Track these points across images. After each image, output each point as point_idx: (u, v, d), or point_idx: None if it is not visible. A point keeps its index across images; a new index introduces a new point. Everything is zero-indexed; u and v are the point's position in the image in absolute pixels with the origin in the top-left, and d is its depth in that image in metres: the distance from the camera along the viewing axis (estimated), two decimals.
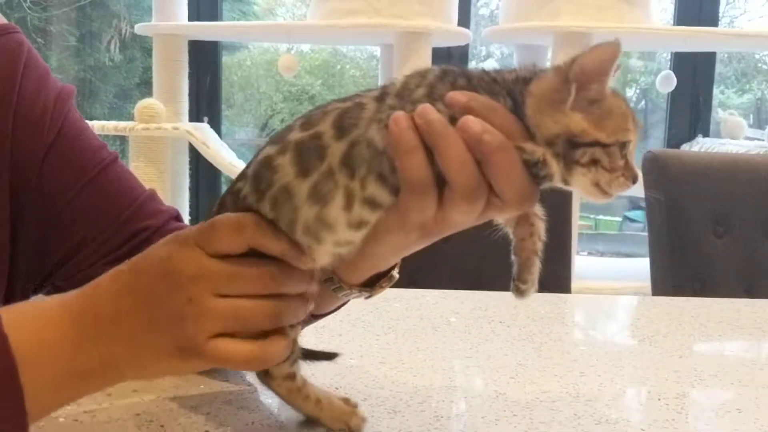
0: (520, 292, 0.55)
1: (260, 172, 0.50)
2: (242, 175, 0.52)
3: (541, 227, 0.54)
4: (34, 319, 0.50)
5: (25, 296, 0.72)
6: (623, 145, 0.48)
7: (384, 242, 0.53)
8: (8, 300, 0.71)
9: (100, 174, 0.74)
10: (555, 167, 0.47)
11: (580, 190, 0.49)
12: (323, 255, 0.51)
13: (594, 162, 0.47)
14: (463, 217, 0.50)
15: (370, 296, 0.60)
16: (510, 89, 0.48)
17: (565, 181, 0.48)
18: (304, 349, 0.58)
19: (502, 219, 0.55)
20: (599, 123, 0.47)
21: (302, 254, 0.51)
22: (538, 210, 0.54)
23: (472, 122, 0.46)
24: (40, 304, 0.52)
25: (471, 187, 0.48)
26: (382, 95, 0.50)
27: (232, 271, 0.49)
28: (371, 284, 0.59)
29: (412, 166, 0.47)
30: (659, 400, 0.69)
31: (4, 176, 0.70)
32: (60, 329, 0.50)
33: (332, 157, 0.48)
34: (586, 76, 0.46)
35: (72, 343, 0.49)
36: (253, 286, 0.49)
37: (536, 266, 0.55)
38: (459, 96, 0.47)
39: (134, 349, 0.50)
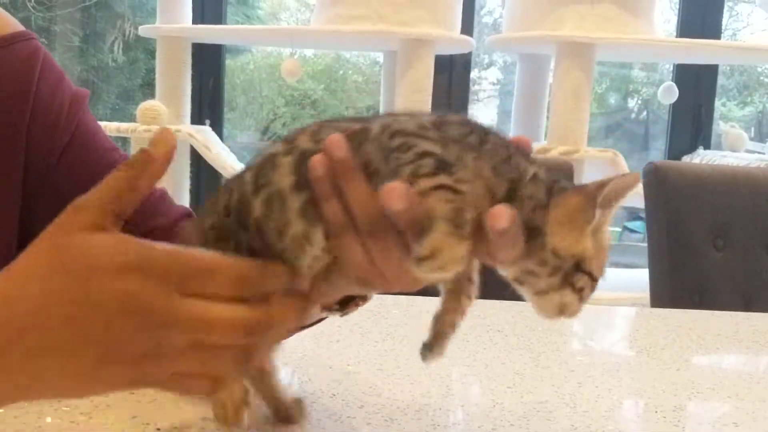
0: (424, 357, 0.54)
1: (263, 166, 0.48)
2: (249, 166, 0.51)
3: (467, 306, 0.54)
4: None
5: None
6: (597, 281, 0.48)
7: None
8: None
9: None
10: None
11: (546, 304, 0.49)
12: (302, 267, 0.49)
13: (581, 290, 0.47)
14: (392, 270, 0.46)
15: (343, 315, 0.58)
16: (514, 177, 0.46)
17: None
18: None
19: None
20: (597, 255, 0.46)
21: (297, 277, 0.47)
22: (473, 291, 0.54)
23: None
24: None
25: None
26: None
27: (210, 322, 0.43)
28: (346, 302, 0.58)
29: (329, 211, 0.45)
30: (656, 412, 0.69)
31: (18, 176, 0.71)
32: None
33: None
34: (610, 200, 0.46)
35: None
36: (229, 336, 0.44)
37: (449, 340, 0.54)
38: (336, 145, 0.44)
39: (55, 380, 0.43)
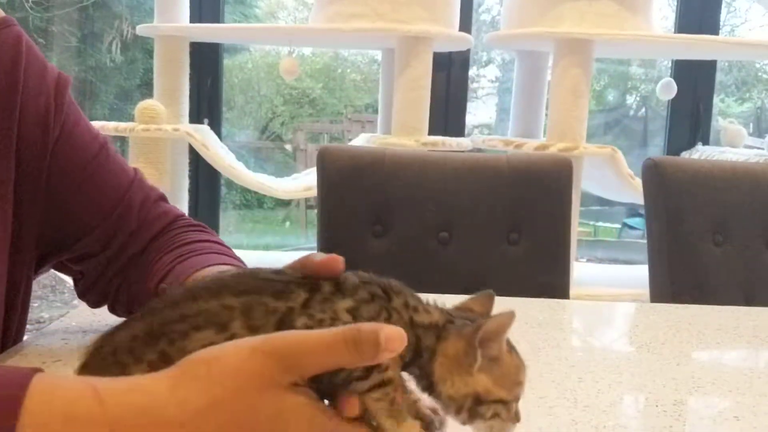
0: None
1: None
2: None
3: None
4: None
5: (28, 280, 0.77)
6: (516, 398, 0.51)
7: None
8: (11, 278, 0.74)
9: (96, 167, 0.78)
10: None
11: None
12: None
13: (495, 415, 0.50)
14: None
15: None
16: (419, 334, 0.50)
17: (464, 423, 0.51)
18: None
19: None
20: (500, 381, 0.50)
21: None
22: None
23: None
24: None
25: None
26: (309, 299, 0.48)
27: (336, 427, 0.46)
28: None
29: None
30: (657, 406, 0.69)
31: (10, 167, 0.71)
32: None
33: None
34: (487, 340, 0.49)
35: None
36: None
37: None
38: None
39: None
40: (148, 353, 0.46)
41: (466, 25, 2.87)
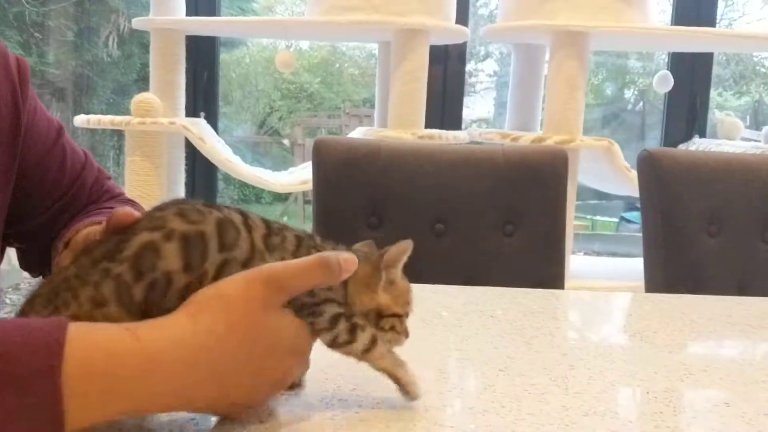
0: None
1: (142, 255, 0.53)
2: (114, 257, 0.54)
3: None
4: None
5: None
6: (407, 314, 0.64)
7: None
8: None
9: (56, 153, 0.82)
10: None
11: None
12: None
13: (392, 327, 0.62)
14: None
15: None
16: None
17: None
18: None
19: None
20: (396, 300, 0.62)
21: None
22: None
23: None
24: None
25: None
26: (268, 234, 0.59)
27: (310, 342, 0.59)
28: None
29: None
30: (647, 393, 0.69)
31: None
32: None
33: (210, 265, 0.55)
34: (390, 264, 0.62)
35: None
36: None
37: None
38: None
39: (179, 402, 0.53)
40: (92, 275, 0.53)
41: (462, 17, 2.87)
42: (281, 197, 4.84)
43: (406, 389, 0.61)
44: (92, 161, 0.88)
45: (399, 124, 2.55)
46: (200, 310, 0.52)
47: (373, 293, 0.61)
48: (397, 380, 0.61)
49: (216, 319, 0.52)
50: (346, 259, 0.57)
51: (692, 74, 3.13)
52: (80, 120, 2.74)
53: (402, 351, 0.75)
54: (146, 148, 2.69)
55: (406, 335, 0.63)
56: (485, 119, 5.03)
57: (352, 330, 0.58)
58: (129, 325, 0.50)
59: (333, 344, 0.58)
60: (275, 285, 0.54)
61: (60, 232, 0.79)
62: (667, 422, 0.62)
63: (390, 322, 0.62)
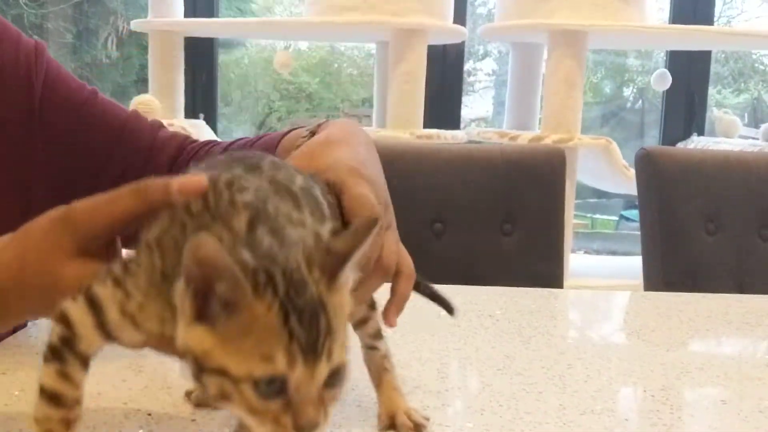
0: None
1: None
2: None
3: None
4: None
5: None
6: (270, 382, 0.35)
7: None
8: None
9: (90, 108, 0.81)
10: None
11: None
12: None
13: (224, 396, 0.35)
14: None
15: None
16: None
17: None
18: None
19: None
20: (232, 342, 0.35)
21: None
22: None
23: None
24: None
25: None
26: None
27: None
28: None
29: None
30: (645, 391, 0.69)
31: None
32: None
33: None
34: (202, 272, 0.35)
35: None
36: None
37: None
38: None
39: None
40: None
41: (460, 17, 2.87)
42: None
43: None
44: (138, 114, 0.85)
45: (397, 124, 2.55)
46: (5, 238, 0.51)
47: (182, 323, 0.37)
48: None
49: (9, 251, 0.50)
50: (182, 181, 0.43)
51: (690, 72, 3.13)
52: None
53: (401, 351, 0.75)
54: None
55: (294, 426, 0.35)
56: (484, 118, 5.02)
57: None
58: None
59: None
60: (69, 222, 0.48)
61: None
62: (663, 420, 0.62)
63: (214, 384, 0.36)
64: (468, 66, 4.57)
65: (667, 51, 3.24)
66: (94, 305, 0.43)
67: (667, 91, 3.02)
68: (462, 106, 3.26)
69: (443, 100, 3.07)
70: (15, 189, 0.76)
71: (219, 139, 0.89)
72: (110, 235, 0.49)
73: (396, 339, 0.81)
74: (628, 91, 5.24)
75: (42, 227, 0.49)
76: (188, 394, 0.61)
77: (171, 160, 0.82)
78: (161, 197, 0.44)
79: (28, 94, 0.78)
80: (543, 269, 1.46)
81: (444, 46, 3.00)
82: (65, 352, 0.43)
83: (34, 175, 0.78)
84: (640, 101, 5.10)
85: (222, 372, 0.35)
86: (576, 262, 3.00)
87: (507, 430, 0.58)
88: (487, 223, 1.44)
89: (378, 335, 0.58)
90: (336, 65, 5.18)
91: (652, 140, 4.16)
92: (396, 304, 0.57)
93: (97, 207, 0.47)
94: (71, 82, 0.82)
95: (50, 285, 0.47)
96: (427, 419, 0.57)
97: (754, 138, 3.02)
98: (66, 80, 0.82)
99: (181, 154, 0.83)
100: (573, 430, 0.59)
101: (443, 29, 2.59)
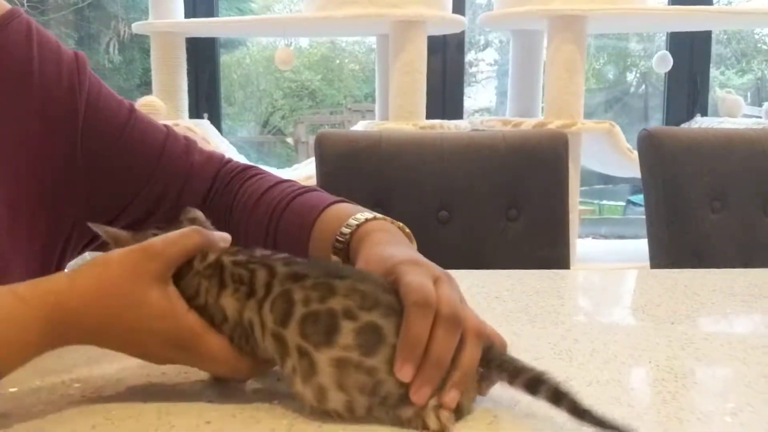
0: None
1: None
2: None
3: None
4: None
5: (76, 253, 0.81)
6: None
7: None
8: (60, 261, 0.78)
9: (130, 131, 0.80)
10: None
11: None
12: None
13: None
14: None
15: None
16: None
17: None
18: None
19: None
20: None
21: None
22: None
23: None
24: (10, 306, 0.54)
25: None
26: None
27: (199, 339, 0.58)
28: None
29: None
30: (650, 362, 0.71)
31: (29, 158, 0.73)
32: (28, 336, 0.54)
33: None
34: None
35: (37, 347, 0.55)
36: None
37: None
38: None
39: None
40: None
41: (459, 6, 2.88)
42: None
43: None
44: (175, 134, 0.85)
45: (400, 116, 2.56)
46: (81, 270, 0.56)
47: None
48: None
49: (90, 280, 0.55)
50: (219, 234, 0.61)
51: (691, 53, 3.12)
52: None
53: None
54: None
55: None
56: (487, 108, 5.02)
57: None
58: (17, 286, 0.55)
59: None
60: (149, 251, 0.56)
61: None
62: (668, 388, 0.63)
63: None
64: (470, 57, 4.57)
65: (667, 33, 3.23)
66: None
67: (669, 72, 3.02)
68: (465, 97, 3.27)
69: (446, 92, 3.08)
70: (47, 209, 0.75)
71: (253, 164, 0.88)
72: (179, 265, 0.58)
73: None
74: (631, 76, 5.23)
75: (121, 260, 0.56)
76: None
77: (207, 189, 0.83)
78: (209, 238, 0.59)
79: (71, 121, 0.75)
80: (549, 253, 1.47)
81: (444, 36, 3.01)
82: None
83: (67, 198, 0.76)
84: (644, 85, 5.09)
85: None
86: (583, 247, 3.01)
87: (514, 401, 0.60)
88: (493, 209, 1.45)
89: None
90: (338, 61, 5.18)
91: (656, 123, 4.15)
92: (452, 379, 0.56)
93: (174, 241, 0.57)
94: (111, 100, 0.80)
95: (135, 305, 0.55)
96: None
97: (757, 117, 3.02)
98: (107, 99, 0.79)
99: (215, 182, 0.84)
100: None
101: (442, 19, 2.60)
